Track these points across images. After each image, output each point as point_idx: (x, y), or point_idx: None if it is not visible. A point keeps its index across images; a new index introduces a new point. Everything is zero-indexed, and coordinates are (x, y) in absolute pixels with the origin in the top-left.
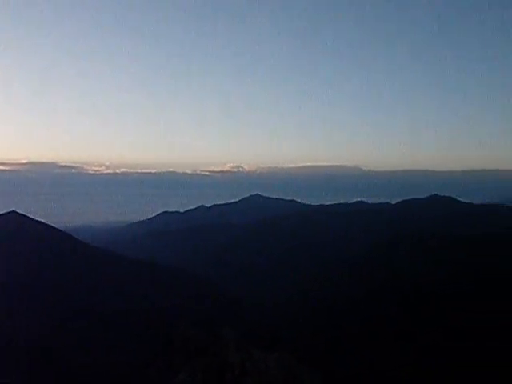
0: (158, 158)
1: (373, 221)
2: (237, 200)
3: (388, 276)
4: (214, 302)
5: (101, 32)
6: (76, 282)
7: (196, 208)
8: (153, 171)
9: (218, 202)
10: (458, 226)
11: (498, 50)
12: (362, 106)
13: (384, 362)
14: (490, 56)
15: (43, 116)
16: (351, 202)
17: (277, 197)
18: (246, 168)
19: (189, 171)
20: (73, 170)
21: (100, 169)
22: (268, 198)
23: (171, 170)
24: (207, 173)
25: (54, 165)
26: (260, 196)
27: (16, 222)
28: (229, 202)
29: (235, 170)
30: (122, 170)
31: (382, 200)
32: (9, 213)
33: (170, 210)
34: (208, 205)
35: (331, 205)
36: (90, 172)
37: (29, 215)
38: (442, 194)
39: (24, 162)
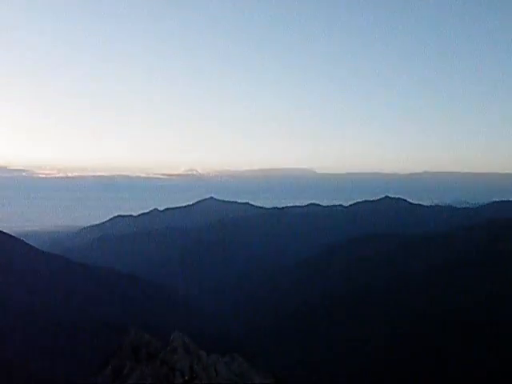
0: (111, 162)
1: (326, 223)
2: (191, 203)
3: (341, 277)
4: (166, 306)
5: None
6: (26, 288)
7: (149, 212)
8: (105, 174)
9: (172, 206)
10: (410, 227)
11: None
12: (316, 110)
13: (334, 362)
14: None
15: None
16: (305, 204)
17: (231, 200)
18: (200, 171)
19: (142, 174)
20: (24, 174)
21: (51, 172)
22: (222, 201)
23: (124, 173)
24: (161, 176)
25: (4, 169)
26: (214, 199)
27: None
28: (183, 205)
29: (189, 173)
30: (75, 173)
31: (336, 202)
32: None
33: (123, 213)
34: (161, 208)
35: (285, 207)
36: (41, 176)
37: None
38: (394, 196)
39: None
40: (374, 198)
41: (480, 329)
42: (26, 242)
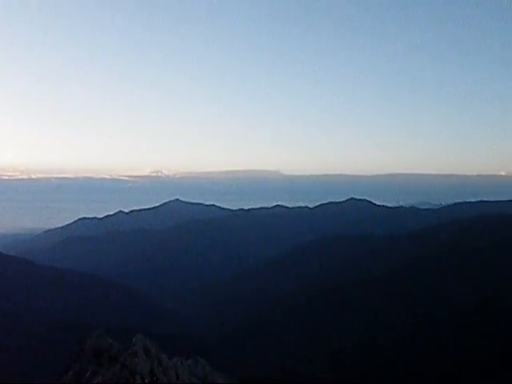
0: (75, 163)
1: (292, 224)
2: (156, 205)
3: (307, 277)
4: (131, 309)
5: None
6: None
7: (114, 214)
8: (70, 176)
9: (137, 208)
10: (374, 227)
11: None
12: (282, 112)
13: (302, 362)
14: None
15: None
16: (271, 206)
17: (197, 202)
18: (166, 173)
19: (107, 176)
20: None
21: (14, 174)
22: (188, 202)
23: (89, 175)
24: (126, 178)
25: None
26: (180, 201)
27: None
28: (148, 207)
29: (155, 174)
30: (38, 175)
31: (301, 204)
32: None
33: (88, 216)
34: (127, 210)
35: (251, 209)
36: (4, 178)
37: None
38: (358, 198)
39: None
40: (339, 200)
41: (443, 324)
42: None
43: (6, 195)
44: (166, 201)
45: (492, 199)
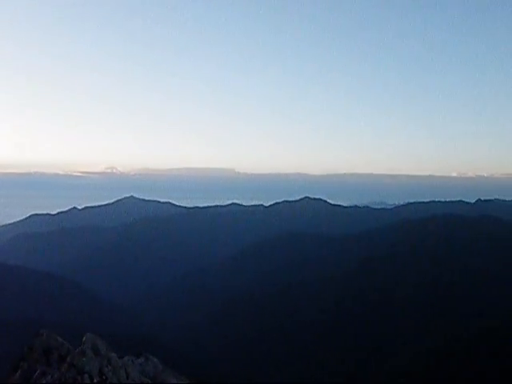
0: (27, 158)
1: (247, 222)
2: (111, 202)
3: (262, 276)
4: (84, 306)
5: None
6: None
7: (68, 210)
8: (21, 171)
9: (91, 204)
10: (328, 226)
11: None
12: (237, 110)
13: (258, 361)
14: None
15: None
16: (226, 204)
17: (152, 199)
18: (120, 169)
19: (60, 172)
20: None
21: None
22: (142, 200)
23: (40, 170)
24: (79, 174)
25: None
26: (134, 198)
27: None
28: (102, 203)
29: (109, 171)
30: None
31: (256, 202)
32: None
33: (40, 212)
34: (80, 207)
35: (206, 207)
36: None
37: None
38: (313, 197)
39: None
40: (294, 199)
41: (397, 322)
42: None
43: None
44: (120, 197)
45: (443, 199)
